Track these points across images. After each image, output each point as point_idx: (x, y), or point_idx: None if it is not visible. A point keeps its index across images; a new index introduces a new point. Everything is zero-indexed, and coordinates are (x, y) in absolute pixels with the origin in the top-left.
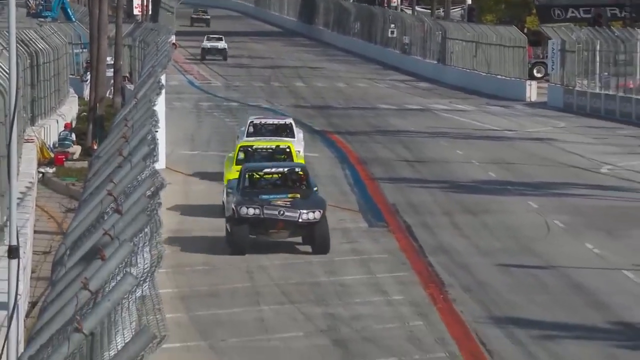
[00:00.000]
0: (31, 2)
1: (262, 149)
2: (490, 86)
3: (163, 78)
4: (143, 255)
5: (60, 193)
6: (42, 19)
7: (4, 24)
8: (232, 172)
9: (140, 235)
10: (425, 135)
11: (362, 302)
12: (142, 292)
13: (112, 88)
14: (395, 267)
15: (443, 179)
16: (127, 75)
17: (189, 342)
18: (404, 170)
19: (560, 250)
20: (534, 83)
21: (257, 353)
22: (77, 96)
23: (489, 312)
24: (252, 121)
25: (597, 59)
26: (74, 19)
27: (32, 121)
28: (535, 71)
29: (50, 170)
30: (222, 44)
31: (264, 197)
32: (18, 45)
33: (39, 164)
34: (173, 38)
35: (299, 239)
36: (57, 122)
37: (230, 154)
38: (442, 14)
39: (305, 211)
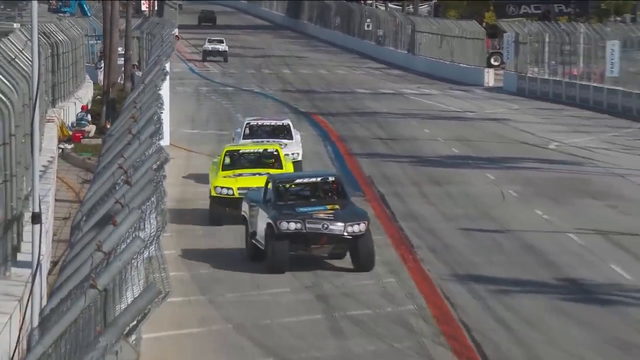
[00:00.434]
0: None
1: (248, 153)
2: (453, 73)
3: (167, 66)
4: (150, 221)
5: (78, 166)
6: (62, 14)
7: (27, 19)
8: (219, 179)
9: (148, 203)
10: (397, 116)
11: (341, 262)
12: (149, 253)
13: (122, 75)
14: (371, 231)
15: (412, 154)
16: (136, 63)
17: (191, 296)
18: (379, 147)
19: (514, 216)
20: (491, 70)
21: (250, 307)
22: (92, 82)
23: (453, 271)
24: (249, 122)
25: (546, 49)
26: (89, 14)
27: (53, 103)
28: (492, 60)
29: (69, 146)
30: (222, 47)
31: (302, 209)
32: (40, 37)
33: (59, 141)
34: (176, 31)
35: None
36: (75, 105)
37: (216, 159)
38: (412, 10)
39: (350, 223)
